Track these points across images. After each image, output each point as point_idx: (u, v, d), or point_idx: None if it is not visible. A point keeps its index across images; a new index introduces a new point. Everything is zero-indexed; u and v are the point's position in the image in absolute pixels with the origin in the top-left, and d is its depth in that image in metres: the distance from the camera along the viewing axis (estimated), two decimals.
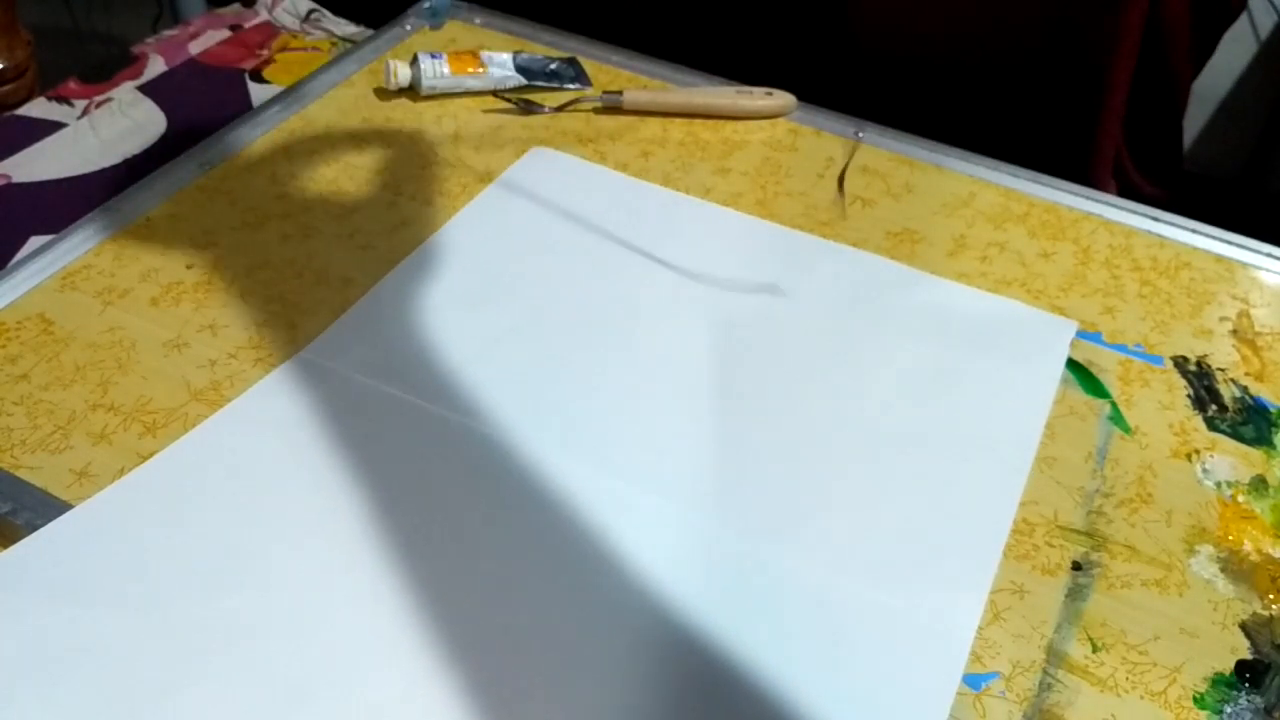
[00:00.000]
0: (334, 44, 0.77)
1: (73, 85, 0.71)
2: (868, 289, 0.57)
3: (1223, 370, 0.54)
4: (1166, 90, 0.97)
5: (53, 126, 0.67)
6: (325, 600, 0.41)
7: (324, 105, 0.69)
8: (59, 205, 0.61)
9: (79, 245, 0.57)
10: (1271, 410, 0.52)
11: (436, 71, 0.69)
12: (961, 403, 0.51)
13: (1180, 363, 0.55)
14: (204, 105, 0.70)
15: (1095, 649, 0.42)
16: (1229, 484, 0.49)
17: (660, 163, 0.66)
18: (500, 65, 0.70)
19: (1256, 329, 0.57)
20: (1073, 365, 0.54)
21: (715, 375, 0.52)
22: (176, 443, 0.47)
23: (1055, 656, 0.42)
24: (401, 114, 0.69)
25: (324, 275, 0.56)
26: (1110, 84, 0.91)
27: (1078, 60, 0.90)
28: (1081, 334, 0.55)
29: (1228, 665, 0.42)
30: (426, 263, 0.57)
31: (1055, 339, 0.55)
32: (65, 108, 0.69)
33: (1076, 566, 0.45)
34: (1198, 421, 0.52)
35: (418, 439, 0.48)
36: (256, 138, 0.65)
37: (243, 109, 0.69)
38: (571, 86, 0.71)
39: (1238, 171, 1.38)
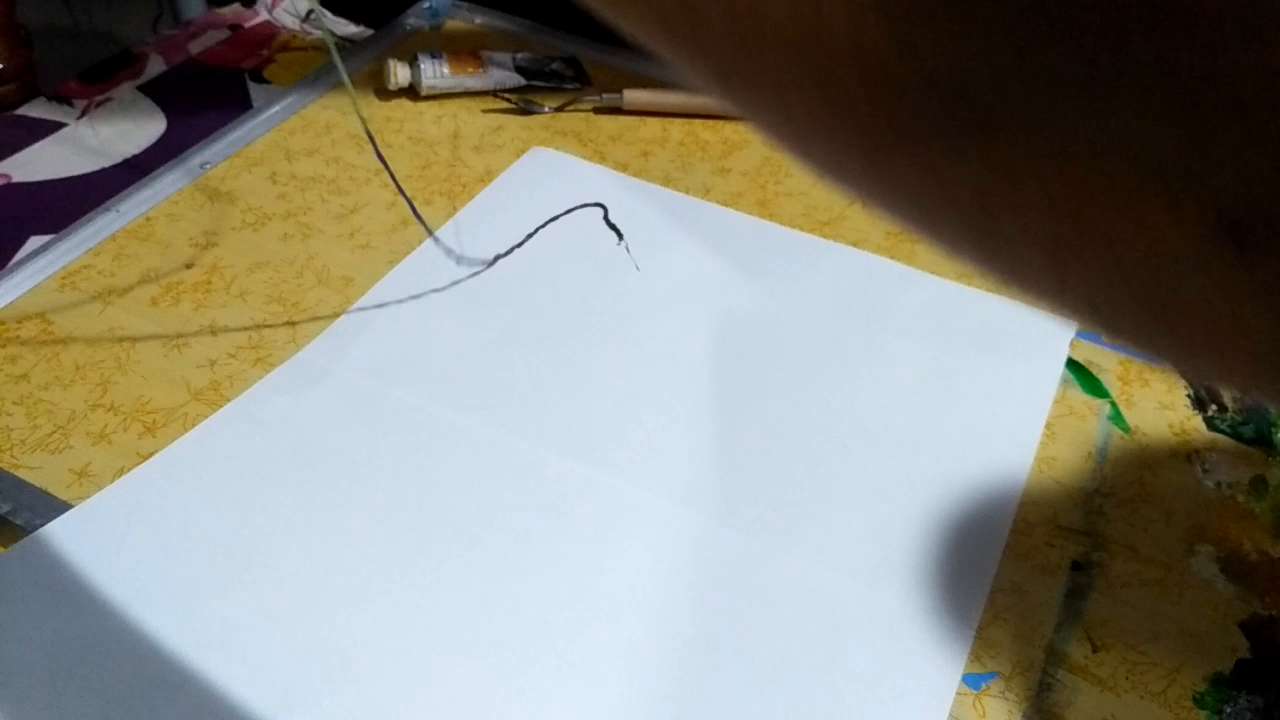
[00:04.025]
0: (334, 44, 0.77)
1: (73, 85, 0.71)
2: (868, 289, 0.57)
3: None
4: None
5: (53, 126, 0.67)
6: (325, 600, 0.41)
7: (324, 105, 0.69)
8: (59, 205, 0.61)
9: (79, 245, 0.57)
10: (1271, 410, 0.52)
11: (436, 71, 0.69)
12: (961, 402, 0.51)
13: None
14: (204, 105, 0.70)
15: (1095, 649, 0.42)
16: (1229, 484, 0.49)
17: (660, 163, 0.66)
18: (500, 65, 0.70)
19: None
20: (1073, 365, 0.54)
21: (715, 375, 0.52)
22: (176, 443, 0.47)
23: (1055, 656, 0.42)
24: (401, 114, 0.69)
25: (324, 275, 0.56)
26: None
27: None
28: (1081, 334, 0.55)
29: (1228, 665, 0.42)
30: (426, 263, 0.57)
31: (1055, 339, 0.55)
32: (65, 108, 0.69)
33: (1076, 566, 0.45)
34: (1198, 421, 0.52)
35: (417, 439, 0.48)
36: (256, 138, 0.65)
37: (243, 109, 0.69)
38: (571, 86, 0.71)
39: None
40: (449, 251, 0.52)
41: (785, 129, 0.15)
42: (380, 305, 0.54)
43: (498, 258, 0.56)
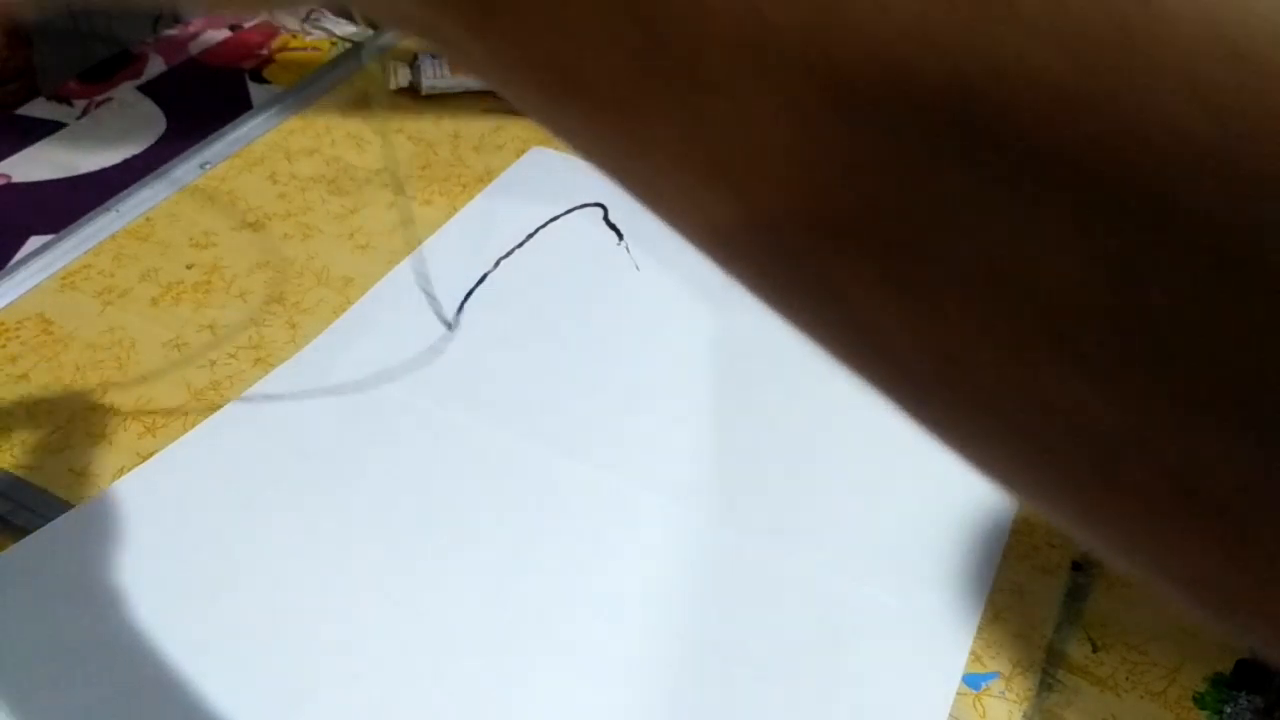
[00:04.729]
0: (334, 44, 0.77)
1: (73, 85, 0.71)
2: None
3: None
4: None
5: (53, 126, 0.67)
6: (325, 599, 0.41)
7: (324, 105, 0.69)
8: (59, 205, 0.61)
9: (79, 245, 0.57)
10: None
11: (436, 71, 0.69)
12: None
13: None
14: (204, 105, 0.70)
15: (1095, 649, 0.42)
16: None
17: None
18: None
19: None
20: None
21: (715, 374, 0.52)
22: (176, 443, 0.47)
23: (1055, 656, 0.42)
24: (401, 114, 0.69)
25: (324, 275, 0.56)
26: None
27: None
28: None
29: (1228, 665, 0.42)
30: (426, 263, 0.57)
31: None
32: (65, 108, 0.69)
33: (1076, 566, 0.45)
34: None
35: (417, 438, 0.48)
36: (256, 138, 0.65)
37: (243, 109, 0.69)
38: None
39: None
40: (440, 317, 0.52)
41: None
42: (380, 305, 0.54)
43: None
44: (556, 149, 0.66)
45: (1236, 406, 0.11)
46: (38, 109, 0.69)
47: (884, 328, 0.14)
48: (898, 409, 0.15)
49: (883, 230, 0.13)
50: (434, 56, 0.69)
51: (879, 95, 0.12)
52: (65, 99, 0.70)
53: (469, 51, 0.15)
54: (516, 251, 0.57)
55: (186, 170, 0.63)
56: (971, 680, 0.40)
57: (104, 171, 0.65)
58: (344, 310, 0.54)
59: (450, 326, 0.51)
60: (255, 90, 0.72)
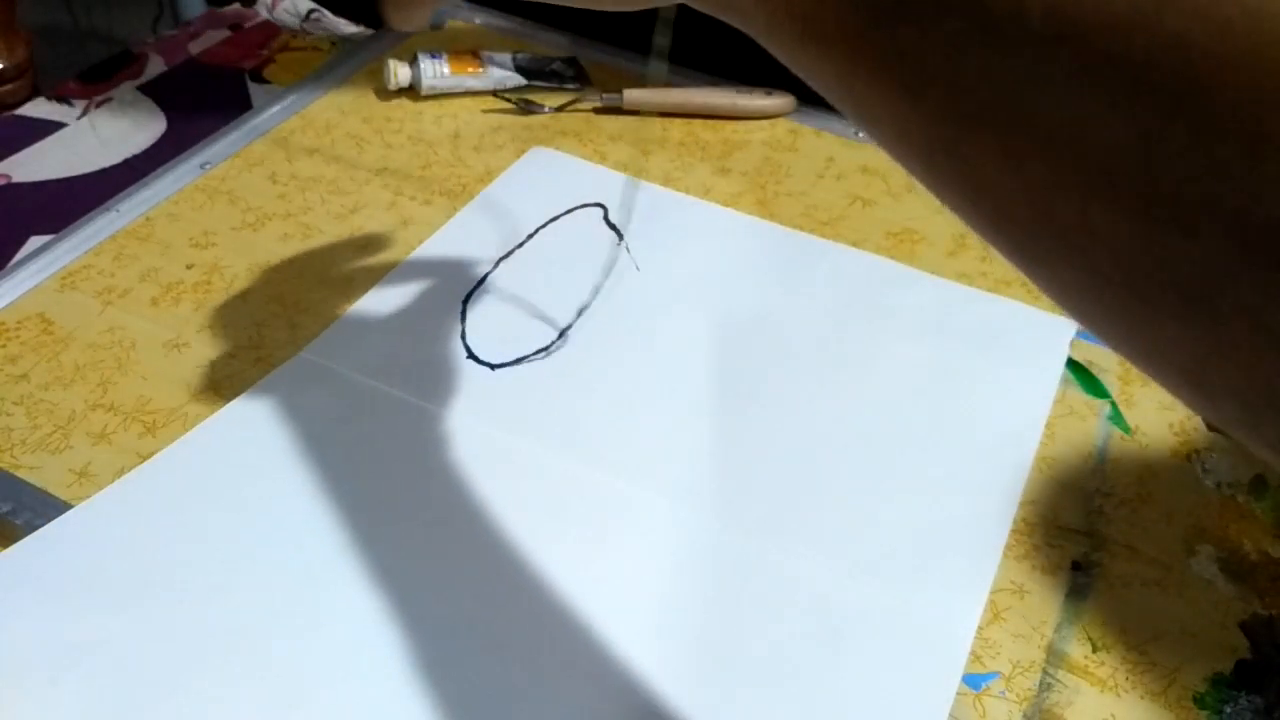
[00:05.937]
0: (334, 44, 0.77)
1: (73, 85, 0.71)
2: (868, 289, 0.57)
3: None
4: None
5: (53, 126, 0.67)
6: (325, 600, 0.41)
7: (324, 105, 0.69)
8: (59, 205, 0.61)
9: (79, 245, 0.57)
10: None
11: (436, 71, 0.69)
12: (961, 403, 0.51)
13: None
14: (204, 105, 0.70)
15: (1095, 649, 0.42)
16: (1229, 484, 0.49)
17: (660, 163, 0.66)
18: (500, 65, 0.70)
19: None
20: (1073, 365, 0.54)
21: (715, 375, 0.52)
22: (176, 443, 0.47)
23: (1055, 656, 0.42)
24: (401, 114, 0.69)
25: (324, 275, 0.56)
26: None
27: None
28: (1081, 334, 0.55)
29: (1228, 665, 0.42)
30: (427, 262, 0.57)
31: (1055, 338, 0.55)
32: (65, 108, 0.69)
33: (1076, 566, 0.45)
34: (1198, 421, 0.52)
35: (417, 438, 0.48)
36: (256, 138, 0.65)
37: (243, 109, 0.69)
38: (571, 86, 0.71)
39: None
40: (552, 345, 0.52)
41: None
42: (380, 305, 0.54)
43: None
44: (556, 149, 0.66)
45: (1215, 221, 0.17)
46: (38, 109, 0.69)
47: (991, 178, 0.20)
48: (989, 238, 0.21)
49: (1006, 120, 0.19)
50: (434, 56, 0.69)
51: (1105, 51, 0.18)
52: (65, 99, 0.70)
53: (753, 17, 0.23)
54: (517, 251, 0.57)
55: (186, 170, 0.63)
56: (971, 680, 0.41)
57: (104, 171, 0.65)
58: (344, 310, 0.54)
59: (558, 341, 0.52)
60: (255, 90, 0.72)
